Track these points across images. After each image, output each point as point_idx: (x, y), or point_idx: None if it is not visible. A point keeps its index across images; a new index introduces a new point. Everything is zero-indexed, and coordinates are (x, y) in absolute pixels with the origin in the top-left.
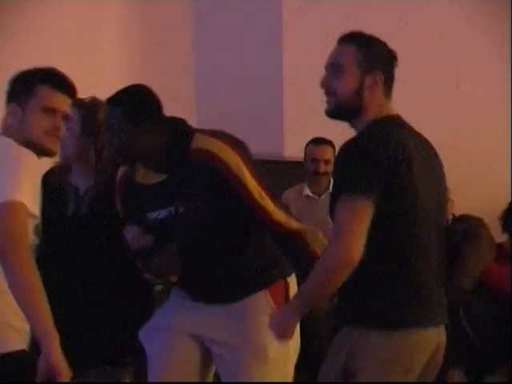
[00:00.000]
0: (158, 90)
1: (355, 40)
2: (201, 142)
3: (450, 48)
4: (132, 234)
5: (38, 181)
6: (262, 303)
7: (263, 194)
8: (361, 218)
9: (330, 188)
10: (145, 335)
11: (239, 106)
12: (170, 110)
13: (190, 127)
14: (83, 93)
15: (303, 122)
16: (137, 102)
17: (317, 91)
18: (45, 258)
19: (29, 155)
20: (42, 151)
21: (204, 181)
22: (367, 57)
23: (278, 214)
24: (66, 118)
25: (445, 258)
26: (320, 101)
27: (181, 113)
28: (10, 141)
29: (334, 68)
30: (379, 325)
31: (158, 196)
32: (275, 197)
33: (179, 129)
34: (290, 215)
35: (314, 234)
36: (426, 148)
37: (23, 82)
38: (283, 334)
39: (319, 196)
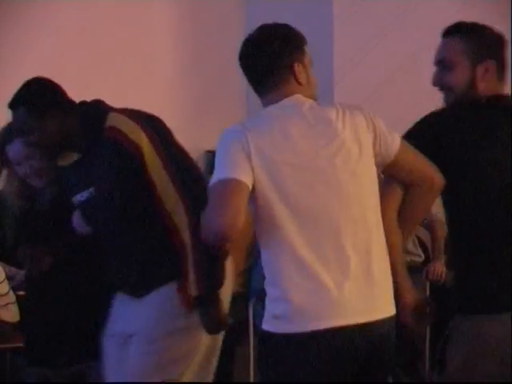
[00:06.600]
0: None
1: (459, 31)
2: (113, 120)
3: None
4: (75, 220)
5: None
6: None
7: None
8: None
9: None
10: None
11: None
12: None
13: (105, 107)
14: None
15: None
16: (36, 95)
17: None
18: None
19: None
20: None
21: (113, 160)
22: (474, 46)
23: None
24: None
25: None
26: None
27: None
28: None
29: (442, 64)
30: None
31: (79, 178)
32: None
33: (92, 109)
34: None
35: None
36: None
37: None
38: None
39: None
